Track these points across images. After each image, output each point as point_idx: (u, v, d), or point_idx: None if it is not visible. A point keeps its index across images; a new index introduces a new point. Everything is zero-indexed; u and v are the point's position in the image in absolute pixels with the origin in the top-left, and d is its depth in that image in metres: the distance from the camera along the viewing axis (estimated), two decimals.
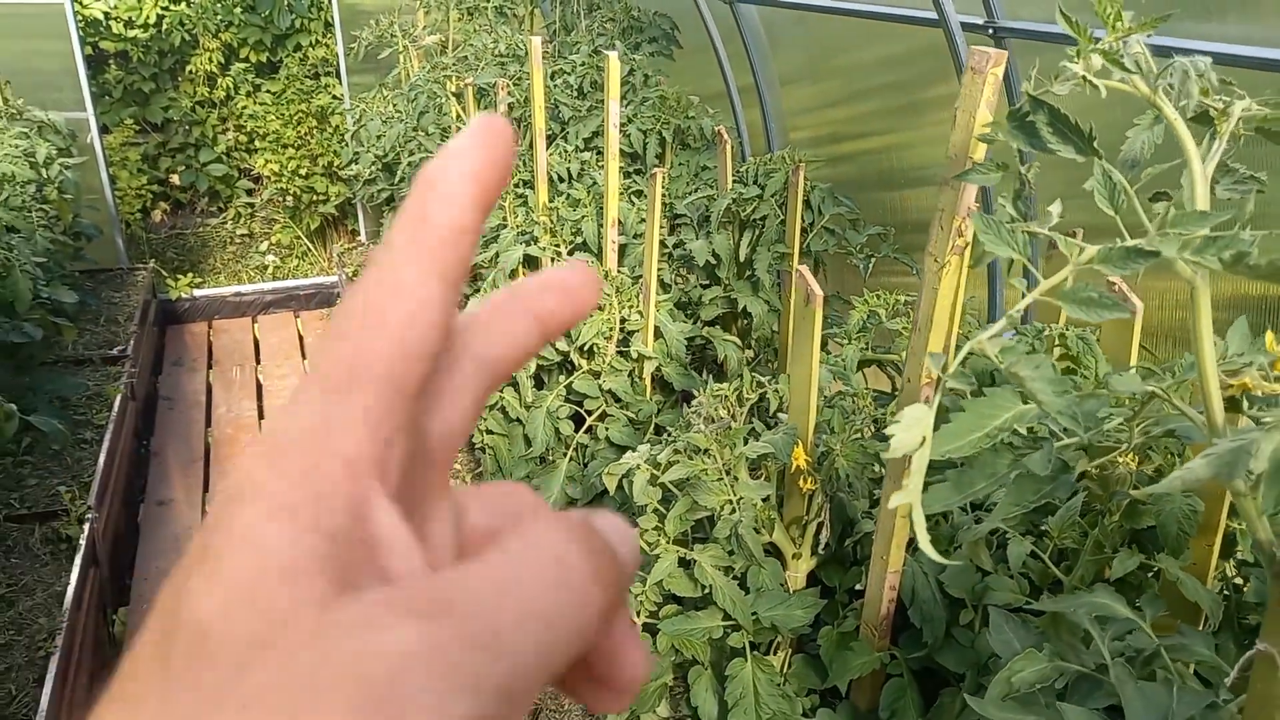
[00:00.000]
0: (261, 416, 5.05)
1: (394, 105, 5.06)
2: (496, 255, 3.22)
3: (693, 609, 1.92)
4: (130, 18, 6.93)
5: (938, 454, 1.12)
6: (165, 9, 6.99)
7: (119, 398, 4.29)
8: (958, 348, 0.95)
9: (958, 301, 1.68)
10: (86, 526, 3.34)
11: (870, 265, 3.05)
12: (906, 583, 1.79)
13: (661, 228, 3.54)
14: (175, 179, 7.57)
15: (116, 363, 4.69)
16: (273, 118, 6.79)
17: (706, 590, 1.85)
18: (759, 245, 3.29)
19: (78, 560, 3.17)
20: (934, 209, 1.55)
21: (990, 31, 2.56)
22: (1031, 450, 1.38)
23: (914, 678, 1.76)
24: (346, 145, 5.80)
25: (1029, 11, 2.73)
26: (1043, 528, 1.78)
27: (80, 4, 6.56)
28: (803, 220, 3.20)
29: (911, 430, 0.88)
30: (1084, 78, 0.92)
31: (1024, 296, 0.92)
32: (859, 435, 1.99)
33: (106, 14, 6.85)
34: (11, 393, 3.61)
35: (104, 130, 6.64)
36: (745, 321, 3.39)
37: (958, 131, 1.52)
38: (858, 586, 1.92)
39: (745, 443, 1.90)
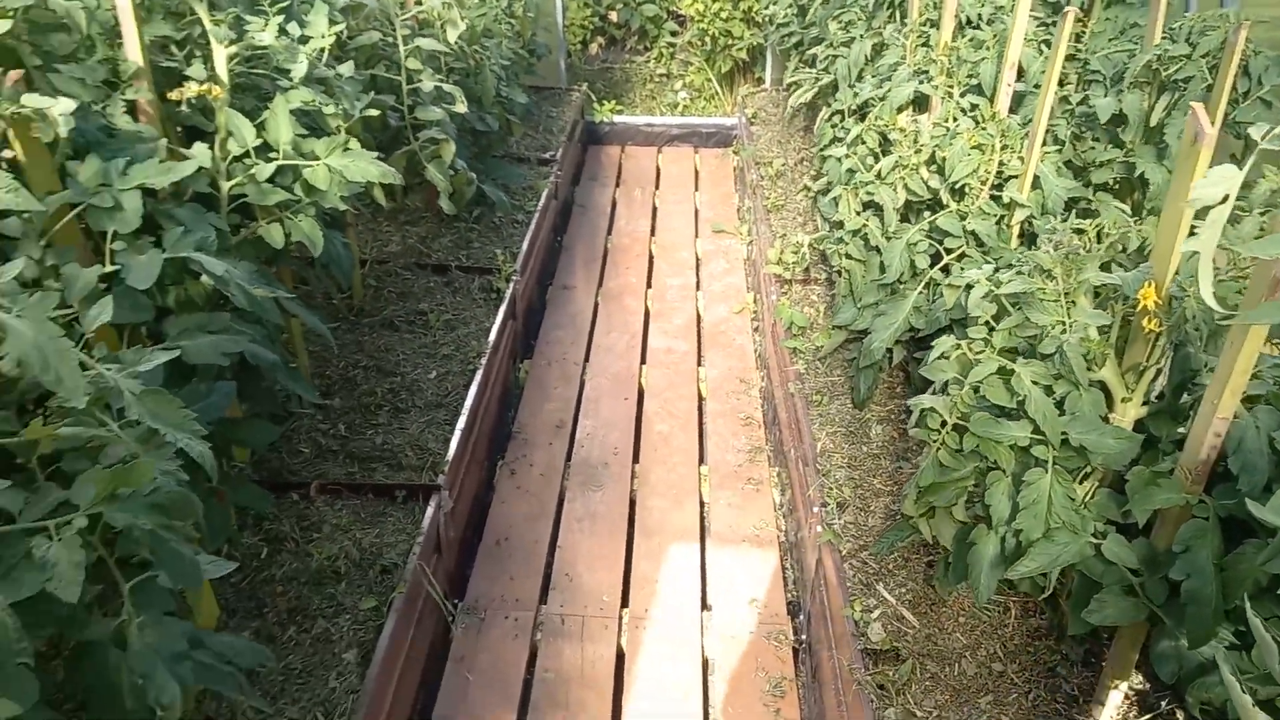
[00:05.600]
0: (653, 233, 5.66)
1: None
2: (888, 92, 3.32)
3: (1004, 419, 2.03)
4: None
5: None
6: None
7: (545, 193, 5.06)
8: None
9: None
10: (511, 285, 4.11)
11: None
12: (1235, 434, 1.77)
13: (1068, 83, 3.40)
14: (613, 16, 8.30)
15: (547, 164, 5.49)
16: None
17: (1021, 400, 1.96)
18: (1175, 109, 3.06)
19: (502, 308, 3.94)
20: None
21: None
22: None
23: (1219, 524, 1.76)
24: None
25: None
26: None
27: None
28: (1235, 89, 2.91)
29: (1216, 186, 0.93)
30: None
31: None
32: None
33: None
34: (470, 171, 4.44)
35: None
36: (1141, 194, 3.20)
37: None
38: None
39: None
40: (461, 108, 3.30)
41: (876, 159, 3.21)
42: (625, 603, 3.07)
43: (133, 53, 2.04)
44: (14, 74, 1.78)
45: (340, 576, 2.58)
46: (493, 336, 3.76)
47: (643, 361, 4.40)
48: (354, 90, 2.64)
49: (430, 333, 3.76)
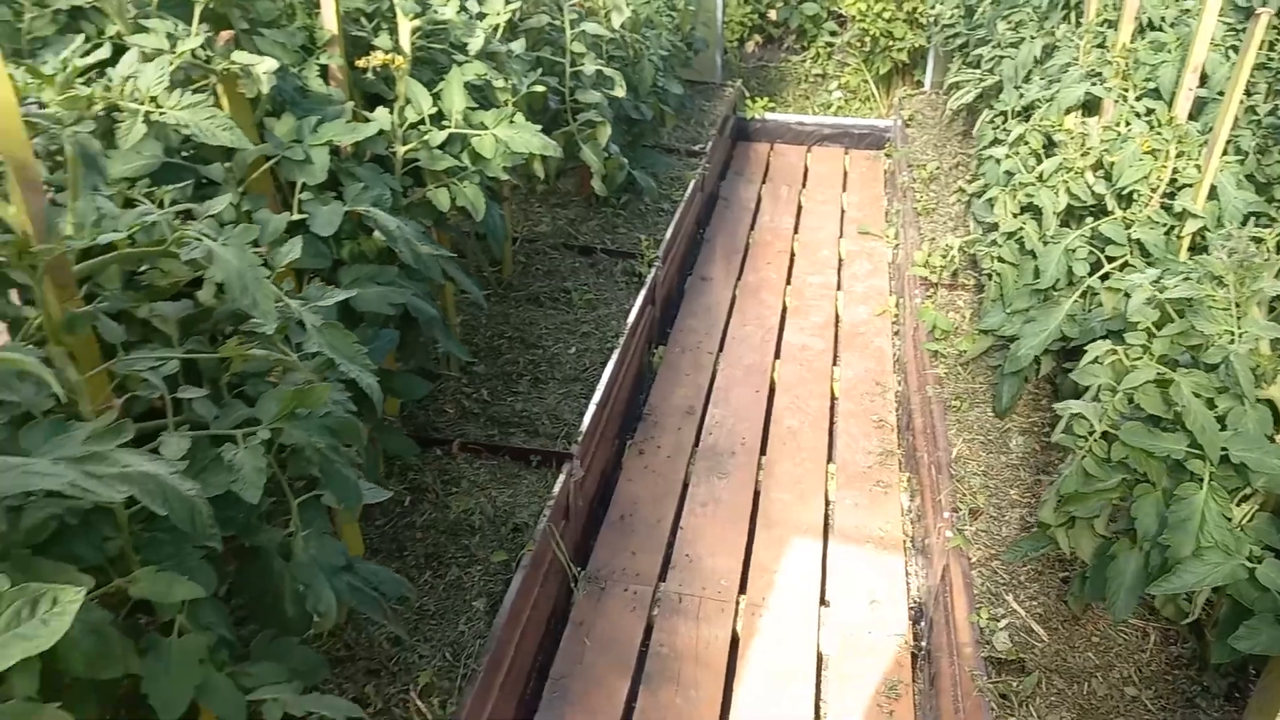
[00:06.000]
0: (796, 230, 5.63)
1: None
2: (1057, 93, 3.21)
3: (1159, 431, 1.94)
4: None
5: None
6: None
7: (692, 184, 5.12)
8: None
9: None
10: (652, 270, 4.18)
11: None
12: None
13: (1256, 92, 3.20)
14: (773, 14, 8.28)
15: (696, 157, 5.55)
16: None
17: (1178, 412, 1.87)
18: None
19: (642, 292, 4.01)
20: None
21: None
22: None
23: None
24: None
25: None
26: None
27: None
28: None
29: None
30: None
31: None
32: None
33: None
34: (622, 157, 4.54)
35: None
36: None
37: None
38: None
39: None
40: (620, 92, 3.39)
41: (1039, 160, 3.11)
42: (743, 589, 3.09)
43: (329, 21, 2.20)
44: (226, 34, 1.96)
45: (475, 530, 2.70)
46: (631, 319, 3.84)
47: (776, 356, 4.40)
48: (520, 68, 2.76)
49: (572, 310, 3.87)
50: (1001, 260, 3.09)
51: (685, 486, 3.55)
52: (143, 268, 1.60)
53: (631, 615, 2.94)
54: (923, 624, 2.93)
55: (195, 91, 1.91)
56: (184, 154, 1.91)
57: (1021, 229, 3.03)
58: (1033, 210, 3.05)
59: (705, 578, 3.11)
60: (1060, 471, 2.26)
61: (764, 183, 6.30)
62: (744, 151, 6.80)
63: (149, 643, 1.23)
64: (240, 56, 1.84)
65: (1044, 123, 3.10)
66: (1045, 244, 2.95)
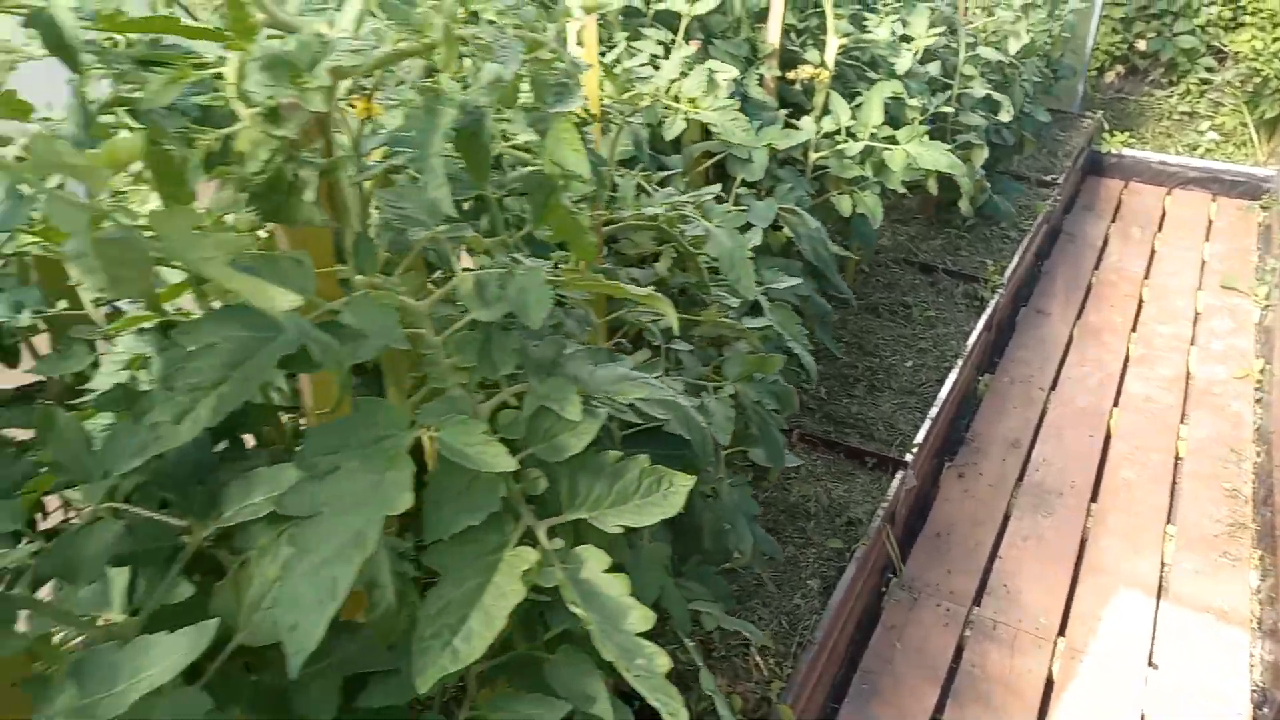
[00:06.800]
0: (1146, 276, 5.29)
1: None
2: None
3: None
4: None
5: None
6: None
7: (1041, 214, 4.98)
8: None
9: None
10: (995, 296, 4.14)
11: None
12: None
13: None
14: (1141, 44, 7.76)
15: (1046, 186, 5.38)
16: None
17: None
18: None
19: (984, 317, 3.99)
20: None
21: None
22: None
23: None
24: None
25: None
26: None
27: None
28: None
29: None
30: None
31: None
32: None
33: None
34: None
35: None
36: None
37: None
38: None
39: None
40: (1006, 116, 3.41)
41: None
42: (1062, 631, 3.03)
43: (774, 35, 2.44)
44: (694, 43, 2.24)
45: (810, 516, 2.87)
46: (970, 341, 3.84)
47: (1115, 404, 4.19)
48: (920, 88, 2.88)
49: (910, 325, 3.94)
50: None
51: (1006, 518, 3.51)
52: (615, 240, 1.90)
53: (944, 630, 2.98)
54: (1266, 709, 2.73)
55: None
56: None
57: None
58: None
59: (1022, 611, 3.08)
60: None
61: (1113, 221, 5.96)
62: (1094, 186, 6.46)
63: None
64: (711, 63, 2.11)
65: None
66: None
